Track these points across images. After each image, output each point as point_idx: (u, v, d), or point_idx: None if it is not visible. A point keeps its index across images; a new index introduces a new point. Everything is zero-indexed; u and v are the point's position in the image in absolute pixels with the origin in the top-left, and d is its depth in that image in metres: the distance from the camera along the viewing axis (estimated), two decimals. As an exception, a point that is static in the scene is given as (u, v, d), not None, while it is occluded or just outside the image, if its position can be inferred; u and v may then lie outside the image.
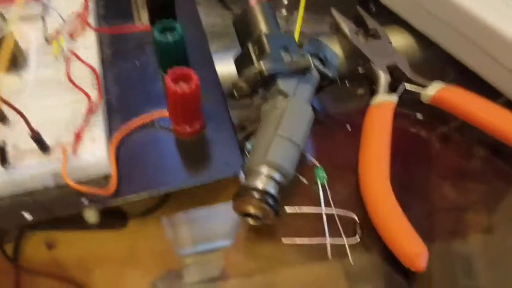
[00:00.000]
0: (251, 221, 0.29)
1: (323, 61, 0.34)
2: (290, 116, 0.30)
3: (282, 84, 0.31)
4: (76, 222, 0.31)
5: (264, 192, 0.28)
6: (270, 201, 0.27)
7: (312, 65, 0.32)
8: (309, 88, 0.32)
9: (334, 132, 0.36)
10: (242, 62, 0.33)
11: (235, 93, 0.33)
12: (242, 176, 0.31)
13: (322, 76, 0.34)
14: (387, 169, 0.31)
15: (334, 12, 0.41)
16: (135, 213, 0.32)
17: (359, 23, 0.40)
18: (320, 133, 0.35)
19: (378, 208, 0.29)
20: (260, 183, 0.28)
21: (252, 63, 0.32)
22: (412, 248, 0.28)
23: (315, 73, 0.33)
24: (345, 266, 0.29)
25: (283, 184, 0.29)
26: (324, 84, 0.34)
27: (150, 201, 0.32)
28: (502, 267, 0.30)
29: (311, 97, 0.33)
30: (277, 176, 0.28)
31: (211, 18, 0.43)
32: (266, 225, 0.30)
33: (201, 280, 0.30)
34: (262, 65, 0.31)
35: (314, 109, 0.34)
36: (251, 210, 0.28)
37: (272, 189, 0.28)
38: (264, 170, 0.28)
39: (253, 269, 0.30)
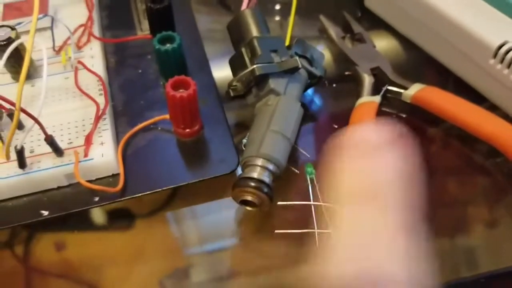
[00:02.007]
0: (249, 208, 0.32)
1: (310, 61, 0.36)
2: (281, 113, 0.32)
3: (273, 83, 0.34)
4: (85, 223, 0.33)
5: (259, 181, 0.30)
6: (265, 189, 0.30)
7: (300, 65, 0.34)
8: (298, 86, 0.35)
9: (324, 129, 0.38)
10: (236, 64, 0.35)
11: (231, 93, 0.35)
12: (239, 171, 0.33)
13: (310, 74, 0.36)
14: None
15: (322, 18, 0.43)
16: (142, 213, 0.33)
17: (347, 28, 0.42)
18: (312, 129, 0.37)
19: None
20: (255, 173, 0.30)
21: (245, 64, 0.34)
22: None
23: (303, 72, 0.35)
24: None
25: (277, 174, 0.31)
26: (312, 82, 0.37)
27: (156, 200, 0.33)
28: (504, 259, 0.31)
29: (300, 94, 0.35)
30: (270, 166, 0.31)
31: (211, 24, 0.45)
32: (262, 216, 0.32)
33: (209, 278, 0.31)
34: (254, 66, 0.34)
35: (305, 106, 0.36)
36: (249, 197, 0.30)
37: (266, 178, 0.30)
38: (259, 161, 0.31)
39: (260, 267, 0.31)
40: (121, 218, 0.33)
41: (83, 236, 0.32)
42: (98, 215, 0.33)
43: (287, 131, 0.32)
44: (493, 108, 0.37)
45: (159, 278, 0.31)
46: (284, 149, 0.32)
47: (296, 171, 0.34)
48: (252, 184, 0.30)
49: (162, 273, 0.31)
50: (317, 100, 0.39)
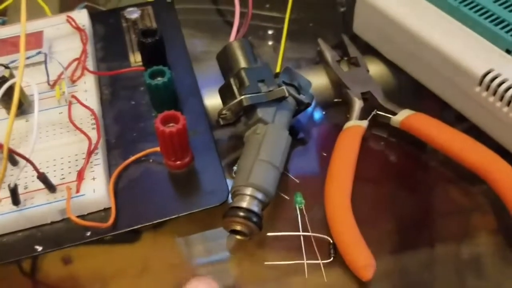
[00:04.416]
0: (238, 237, 0.32)
1: (297, 89, 0.36)
2: (269, 142, 0.33)
3: (261, 112, 0.34)
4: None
5: (248, 211, 0.30)
6: (254, 218, 0.30)
7: (287, 93, 0.35)
8: (286, 114, 0.35)
9: (315, 154, 0.38)
10: (225, 93, 0.36)
11: (221, 121, 0.36)
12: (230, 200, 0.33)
13: (298, 102, 0.36)
14: (348, 187, 0.33)
15: (320, 41, 0.43)
16: (148, 227, 0.33)
17: (344, 51, 0.43)
18: (302, 154, 0.38)
19: (336, 224, 0.31)
20: (244, 203, 0.31)
21: (234, 94, 0.35)
22: (360, 260, 0.30)
23: (291, 100, 0.36)
24: (320, 283, 0.31)
25: (266, 202, 0.31)
26: (301, 109, 0.37)
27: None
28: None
29: (289, 122, 0.35)
30: (259, 195, 0.31)
31: (205, 49, 0.46)
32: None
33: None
34: (242, 97, 0.34)
35: (295, 130, 0.37)
36: (238, 227, 0.31)
37: (255, 207, 0.31)
38: (248, 191, 0.31)
39: (266, 278, 0.32)
40: (127, 232, 0.33)
41: (90, 251, 0.33)
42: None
43: (276, 160, 0.32)
44: (472, 128, 0.37)
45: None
46: (273, 178, 0.32)
47: (286, 197, 0.35)
48: (241, 214, 0.30)
49: (168, 286, 0.31)
50: (308, 125, 0.40)
